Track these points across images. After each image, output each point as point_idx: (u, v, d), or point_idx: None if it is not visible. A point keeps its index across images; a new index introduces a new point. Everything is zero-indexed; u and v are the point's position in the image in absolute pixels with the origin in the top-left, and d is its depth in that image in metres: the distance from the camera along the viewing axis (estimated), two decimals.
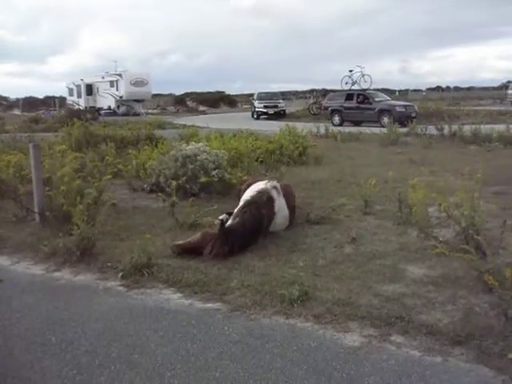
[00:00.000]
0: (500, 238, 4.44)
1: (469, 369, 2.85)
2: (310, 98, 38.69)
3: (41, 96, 59.08)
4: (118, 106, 39.59)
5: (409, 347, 3.11)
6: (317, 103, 32.60)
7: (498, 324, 3.26)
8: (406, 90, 63.29)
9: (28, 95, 59.26)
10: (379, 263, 4.56)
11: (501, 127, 14.29)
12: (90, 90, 41.73)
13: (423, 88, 74.34)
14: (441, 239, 4.86)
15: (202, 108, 50.38)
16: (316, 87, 45.45)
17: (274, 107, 32.84)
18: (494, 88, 68.93)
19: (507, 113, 24.23)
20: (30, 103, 48.78)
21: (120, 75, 39.66)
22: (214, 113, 43.59)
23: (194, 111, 46.42)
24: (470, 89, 75.01)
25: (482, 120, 18.56)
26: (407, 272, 4.35)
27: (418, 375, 2.81)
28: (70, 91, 43.52)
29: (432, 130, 16.08)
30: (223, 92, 62.07)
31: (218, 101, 56.36)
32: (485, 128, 14.36)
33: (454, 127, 15.49)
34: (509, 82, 46.81)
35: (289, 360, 3.00)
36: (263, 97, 34.25)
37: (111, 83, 40.28)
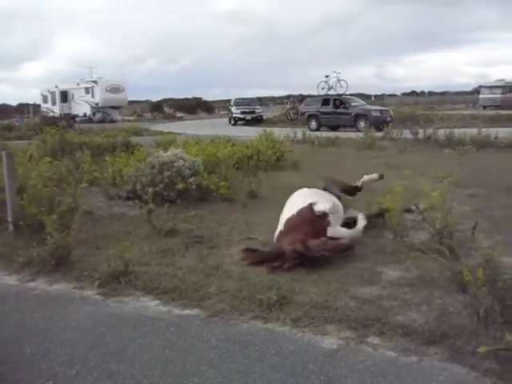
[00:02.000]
0: (472, 239, 4.55)
1: (443, 367, 2.91)
2: (287, 103, 38.92)
3: (14, 103, 58.18)
4: (94, 113, 39.24)
5: (385, 348, 3.15)
6: (294, 109, 32.85)
7: (470, 323, 3.33)
8: (382, 95, 64.33)
9: (0, 103, 58.31)
10: (356, 266, 4.61)
11: (473, 131, 14.60)
12: (64, 96, 41.30)
13: (399, 93, 75.71)
14: (416, 242, 4.95)
15: (179, 114, 50.23)
16: (293, 93, 45.86)
17: (252, 113, 32.95)
18: (466, 93, 70.42)
19: (479, 117, 24.76)
20: (3, 111, 48.03)
21: (95, 82, 39.37)
22: (192, 119, 43.50)
23: (171, 118, 46.22)
24: (444, 93, 76.47)
25: (455, 124, 18.91)
26: (384, 274, 4.41)
27: (394, 375, 2.86)
28: (45, 98, 42.98)
29: (407, 134, 16.33)
30: (200, 98, 62.10)
31: (195, 107, 56.31)
32: (458, 132, 14.66)
33: (429, 131, 15.76)
34: (480, 86, 47.81)
35: (267, 364, 3.02)
36: (240, 103, 34.32)
37: (87, 90, 39.94)
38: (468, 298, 3.58)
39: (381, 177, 5.53)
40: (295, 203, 5.44)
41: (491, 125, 19.07)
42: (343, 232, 5.07)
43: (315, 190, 5.91)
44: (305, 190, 5.96)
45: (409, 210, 5.80)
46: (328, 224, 4.96)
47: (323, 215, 5.01)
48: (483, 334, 3.18)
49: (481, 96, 45.04)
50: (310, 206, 5.10)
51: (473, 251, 4.43)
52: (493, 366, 2.85)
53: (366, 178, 6.51)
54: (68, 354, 3.21)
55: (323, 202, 5.21)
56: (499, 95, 41.96)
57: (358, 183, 6.52)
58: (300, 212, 5.15)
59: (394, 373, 2.88)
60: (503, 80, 43.94)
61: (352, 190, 6.40)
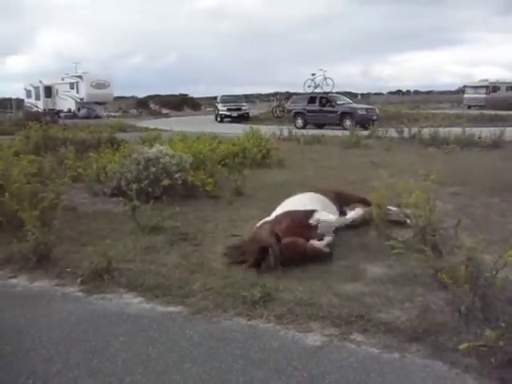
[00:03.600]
0: (455, 237, 4.59)
1: (425, 364, 2.93)
2: (273, 101, 38.94)
3: None
4: (79, 109, 38.88)
5: (368, 345, 3.17)
6: (280, 106, 32.90)
7: (452, 320, 3.36)
8: (368, 94, 64.73)
9: None
10: (340, 263, 4.63)
11: (458, 130, 14.76)
12: (49, 91, 40.85)
13: (385, 91, 76.27)
14: (399, 239, 4.97)
15: (165, 111, 49.97)
16: (279, 90, 45.80)
17: (238, 110, 32.92)
18: (451, 92, 71.24)
19: (463, 116, 25.03)
20: None
21: (80, 77, 39.00)
22: (178, 116, 43.31)
23: (156, 114, 45.96)
24: (429, 93, 77.37)
25: (440, 123, 19.09)
26: (367, 272, 4.43)
27: (377, 372, 2.87)
28: (28, 93, 42.47)
29: (393, 132, 16.47)
30: (186, 95, 61.82)
31: (181, 104, 56.04)
32: (443, 131, 14.81)
33: (414, 130, 15.90)
34: (465, 86, 48.37)
35: (250, 361, 3.01)
36: (227, 100, 34.28)
37: (71, 85, 39.54)
38: (450, 295, 3.62)
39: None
40: (293, 203, 5.44)
41: (475, 124, 19.32)
42: (331, 218, 5.06)
43: (322, 197, 5.71)
44: (310, 194, 5.80)
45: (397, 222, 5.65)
46: (313, 235, 4.87)
47: (315, 226, 4.99)
48: (464, 330, 3.21)
49: (465, 96, 45.66)
50: (311, 212, 5.09)
51: (455, 249, 4.48)
52: (473, 363, 2.88)
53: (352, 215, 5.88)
54: (49, 352, 3.17)
55: (328, 213, 5.21)
56: (483, 95, 42.58)
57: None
58: (295, 212, 5.13)
59: (376, 369, 2.89)
60: (487, 80, 44.54)
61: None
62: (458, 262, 3.68)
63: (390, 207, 5.64)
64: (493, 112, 28.88)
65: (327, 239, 4.92)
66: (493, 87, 43.64)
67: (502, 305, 3.44)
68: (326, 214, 5.20)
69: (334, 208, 5.60)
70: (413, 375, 2.84)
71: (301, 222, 4.98)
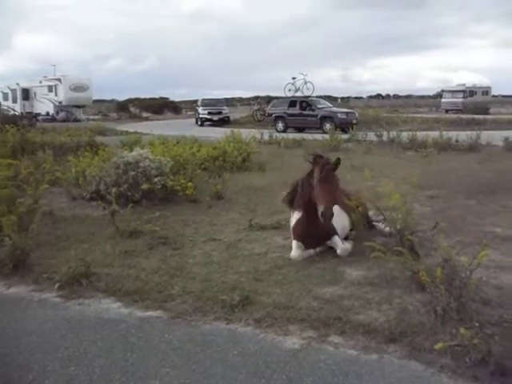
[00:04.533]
0: (431, 239, 4.66)
1: (402, 364, 2.97)
2: (254, 104, 38.99)
3: None
4: (57, 112, 38.33)
5: (346, 347, 3.20)
6: (261, 110, 32.90)
7: (428, 321, 3.42)
8: (348, 98, 65.24)
9: None
10: (319, 266, 4.66)
11: (435, 134, 14.99)
12: (26, 94, 40.23)
13: (365, 95, 77.04)
14: (377, 241, 5.02)
15: (145, 114, 49.59)
16: (260, 94, 45.94)
17: (219, 114, 32.89)
18: (430, 96, 72.36)
19: (441, 120, 25.40)
20: None
21: (59, 80, 38.48)
22: (158, 119, 43.04)
23: (137, 118, 45.58)
24: (408, 97, 78.37)
25: (418, 127, 19.39)
26: (345, 274, 4.47)
27: (355, 373, 2.90)
28: (5, 96, 41.71)
29: (372, 136, 16.64)
30: (167, 98, 61.38)
31: (161, 107, 55.65)
32: (421, 134, 15.02)
33: (393, 133, 16.11)
34: (443, 90, 49.15)
35: (229, 365, 3.01)
36: (207, 103, 34.20)
37: (49, 88, 38.99)
38: (427, 296, 3.67)
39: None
40: None
41: (452, 128, 19.63)
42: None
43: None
44: None
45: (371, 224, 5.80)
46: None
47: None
48: (440, 331, 3.26)
49: (443, 100, 46.38)
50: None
51: (432, 251, 4.54)
52: (448, 362, 2.93)
53: None
54: (25, 359, 3.12)
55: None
56: (461, 99, 43.27)
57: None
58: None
59: (354, 371, 2.92)
60: (464, 85, 45.31)
61: None
62: (434, 264, 3.73)
63: (375, 222, 5.70)
64: (470, 116, 29.38)
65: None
66: (470, 91, 44.43)
67: (476, 305, 3.51)
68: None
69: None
70: (390, 376, 2.87)
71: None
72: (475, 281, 3.49)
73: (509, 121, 26.92)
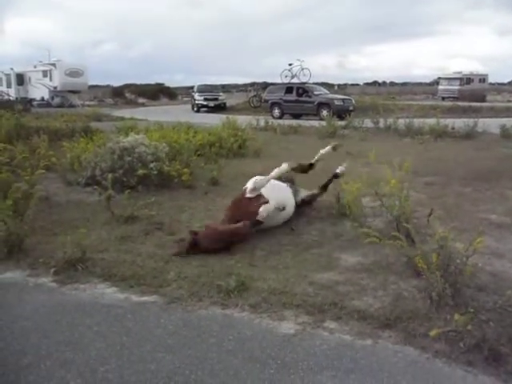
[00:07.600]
0: (427, 225, 4.67)
1: (397, 350, 2.98)
2: (250, 91, 38.81)
3: None
4: (53, 97, 38.09)
5: (341, 332, 3.21)
6: (257, 96, 32.81)
7: (423, 307, 3.44)
8: (345, 84, 65.04)
9: None
10: (315, 252, 4.67)
11: (432, 121, 14.97)
12: (21, 79, 39.89)
13: (361, 82, 76.79)
14: (373, 228, 5.03)
15: (141, 100, 49.38)
16: (257, 80, 45.67)
17: (215, 100, 32.76)
18: (426, 84, 72.19)
19: (438, 107, 25.36)
20: None
21: (54, 65, 38.15)
22: (154, 105, 42.85)
23: (132, 103, 45.37)
24: (404, 84, 78.22)
25: (415, 114, 19.37)
26: (341, 260, 4.48)
27: (350, 358, 2.91)
28: None
29: (368, 123, 16.61)
30: (163, 84, 61.04)
31: (157, 93, 55.38)
32: (418, 121, 15.01)
33: (389, 120, 16.09)
34: (439, 78, 49.01)
35: (225, 349, 3.02)
36: (203, 89, 34.03)
37: (44, 73, 38.66)
38: (422, 282, 3.69)
39: (334, 148, 5.52)
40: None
41: (449, 115, 19.66)
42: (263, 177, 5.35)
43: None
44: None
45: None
46: (259, 203, 5.09)
47: (257, 196, 5.20)
48: (435, 316, 3.28)
49: (440, 87, 46.30)
50: (245, 189, 5.38)
51: (428, 237, 4.55)
52: (443, 348, 2.95)
53: (321, 152, 6.55)
54: (19, 344, 3.12)
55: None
56: (457, 87, 43.21)
57: (313, 160, 6.54)
58: (235, 197, 5.49)
59: (349, 356, 2.93)
60: (460, 72, 45.19)
61: (304, 168, 6.38)
62: (430, 250, 3.74)
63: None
64: (466, 103, 29.36)
65: (272, 203, 5.15)
66: (466, 79, 44.32)
67: (471, 291, 3.53)
68: (259, 177, 5.42)
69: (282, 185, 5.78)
70: (385, 360, 2.89)
71: (241, 202, 5.23)
72: (470, 267, 3.50)
73: (506, 108, 26.94)
